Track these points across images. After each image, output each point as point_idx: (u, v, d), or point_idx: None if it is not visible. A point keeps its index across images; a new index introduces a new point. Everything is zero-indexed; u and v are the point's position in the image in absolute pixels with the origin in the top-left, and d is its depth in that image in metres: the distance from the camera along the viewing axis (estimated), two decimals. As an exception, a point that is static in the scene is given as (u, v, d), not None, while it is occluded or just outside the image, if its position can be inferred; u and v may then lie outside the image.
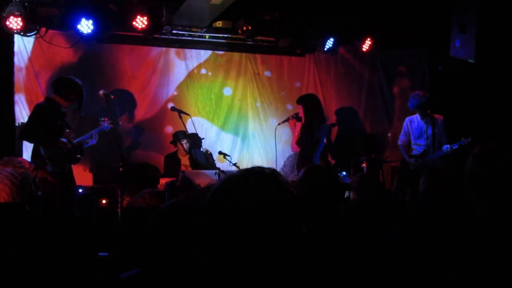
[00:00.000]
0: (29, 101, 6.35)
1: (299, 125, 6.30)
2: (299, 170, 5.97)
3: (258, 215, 1.16)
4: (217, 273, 1.17)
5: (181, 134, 6.64)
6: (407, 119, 6.61)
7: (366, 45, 7.42)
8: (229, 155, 6.63)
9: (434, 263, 1.89)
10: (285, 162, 7.55)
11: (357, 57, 7.92)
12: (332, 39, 7.18)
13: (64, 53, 6.63)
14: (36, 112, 5.14)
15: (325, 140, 6.39)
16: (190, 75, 7.40)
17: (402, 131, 6.62)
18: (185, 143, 6.59)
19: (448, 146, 6.13)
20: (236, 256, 1.15)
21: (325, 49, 7.29)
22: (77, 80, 5.44)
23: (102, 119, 5.80)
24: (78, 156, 5.40)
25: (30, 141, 5.39)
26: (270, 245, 1.15)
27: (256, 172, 1.24)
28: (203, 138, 7.02)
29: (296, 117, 6.34)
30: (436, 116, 6.40)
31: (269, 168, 1.26)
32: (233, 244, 1.16)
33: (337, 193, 2.89)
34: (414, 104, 6.31)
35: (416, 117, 6.47)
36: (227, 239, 1.16)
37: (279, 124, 6.55)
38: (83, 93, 5.40)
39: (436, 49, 7.50)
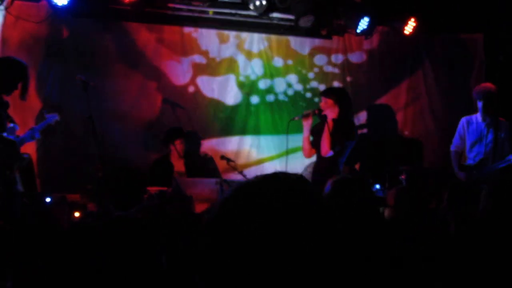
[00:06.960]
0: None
1: (328, 124, 6.09)
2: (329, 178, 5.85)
3: (284, 229, 1.12)
4: None
5: (175, 133, 6.52)
6: (463, 119, 6.20)
7: (410, 27, 7.10)
8: (233, 161, 6.50)
9: None
10: (302, 173, 7.39)
11: (396, 42, 7.65)
12: (367, 19, 6.82)
13: (34, 29, 6.41)
14: None
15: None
16: (188, 60, 7.15)
17: (457, 133, 6.26)
18: (179, 143, 6.47)
19: None
20: (256, 282, 1.10)
21: (358, 30, 6.92)
22: (17, 59, 5.27)
23: (46, 110, 5.66)
24: (26, 155, 5.32)
25: None
26: (301, 268, 1.12)
27: (280, 178, 1.23)
28: (202, 138, 6.92)
29: (319, 114, 6.18)
30: (501, 119, 6.00)
31: (295, 174, 1.25)
32: (252, 267, 1.10)
33: (375, 212, 2.84)
34: (480, 95, 5.99)
35: (476, 117, 6.10)
36: (244, 260, 1.12)
37: (292, 119, 6.21)
38: (27, 74, 5.24)
39: (495, 34, 7.30)
